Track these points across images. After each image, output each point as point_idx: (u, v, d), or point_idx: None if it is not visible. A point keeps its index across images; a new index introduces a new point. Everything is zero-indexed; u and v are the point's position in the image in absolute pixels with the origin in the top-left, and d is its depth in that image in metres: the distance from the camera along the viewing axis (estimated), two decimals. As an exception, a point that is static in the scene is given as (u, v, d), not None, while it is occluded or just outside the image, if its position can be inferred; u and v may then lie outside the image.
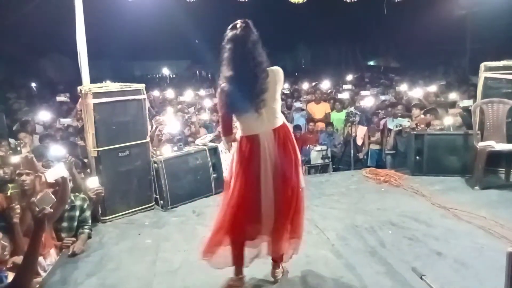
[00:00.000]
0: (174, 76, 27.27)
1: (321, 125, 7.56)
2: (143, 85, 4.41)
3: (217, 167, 4.89)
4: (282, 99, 10.11)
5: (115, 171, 4.17)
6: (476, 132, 4.81)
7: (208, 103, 9.42)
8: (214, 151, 4.90)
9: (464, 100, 6.05)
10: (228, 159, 5.11)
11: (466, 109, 5.57)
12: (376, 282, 2.82)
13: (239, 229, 2.63)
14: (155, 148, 4.83)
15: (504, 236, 3.39)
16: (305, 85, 11.77)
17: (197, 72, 27.36)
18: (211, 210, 4.36)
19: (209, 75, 23.58)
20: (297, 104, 8.51)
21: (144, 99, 4.37)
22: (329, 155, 6.67)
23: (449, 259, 3.08)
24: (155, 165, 4.41)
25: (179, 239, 3.71)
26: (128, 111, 4.24)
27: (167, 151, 4.61)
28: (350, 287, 2.78)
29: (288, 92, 12.37)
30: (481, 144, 4.64)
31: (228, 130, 2.68)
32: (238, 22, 2.46)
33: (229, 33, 2.47)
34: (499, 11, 6.52)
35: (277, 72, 2.51)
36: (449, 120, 5.37)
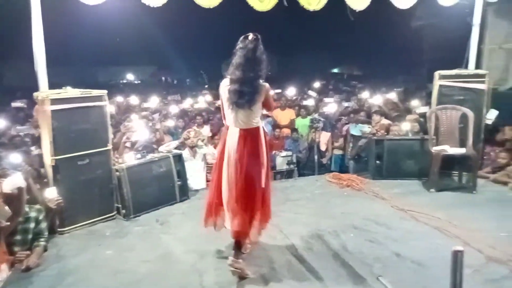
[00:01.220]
0: (139, 82, 26.75)
1: (286, 131, 7.66)
2: (105, 91, 4.29)
3: (181, 174, 4.83)
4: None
5: (74, 180, 4.02)
6: (432, 137, 5.04)
7: (174, 109, 9.31)
8: (179, 158, 4.84)
9: (421, 106, 6.33)
10: (193, 166, 5.07)
11: (423, 115, 5.82)
12: (338, 285, 2.88)
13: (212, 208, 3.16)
14: (117, 156, 4.71)
15: (458, 236, 3.57)
16: (271, 92, 11.88)
17: (163, 78, 27.00)
18: (176, 218, 4.31)
19: (175, 81, 23.27)
20: (264, 112, 8.57)
21: (106, 105, 4.25)
22: (294, 160, 6.76)
23: (407, 259, 3.20)
24: (117, 173, 4.29)
25: (142, 249, 3.62)
26: (88, 118, 4.11)
27: (129, 159, 4.50)
28: (313, 291, 2.83)
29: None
30: (435, 149, 4.87)
31: (224, 118, 3.14)
32: (250, 35, 2.90)
33: (241, 43, 2.90)
34: (453, 23, 6.87)
35: (264, 86, 2.93)
36: (407, 126, 5.61)
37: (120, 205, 4.34)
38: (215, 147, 6.13)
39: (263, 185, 3.00)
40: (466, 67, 5.54)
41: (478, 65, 5.83)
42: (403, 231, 3.75)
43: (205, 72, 26.40)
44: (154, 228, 4.09)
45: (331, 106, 8.39)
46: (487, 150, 5.52)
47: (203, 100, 12.03)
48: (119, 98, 10.97)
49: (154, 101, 9.94)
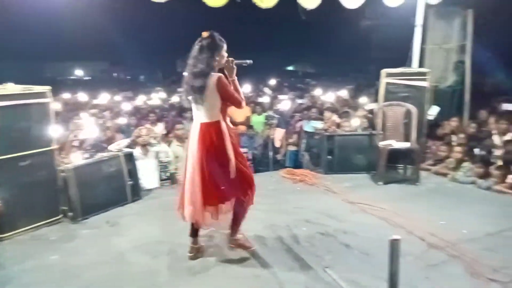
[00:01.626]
0: (89, 78, 25.60)
1: (242, 128, 7.68)
2: (48, 87, 4.06)
3: (133, 174, 4.69)
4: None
5: (15, 182, 3.77)
6: (379, 133, 5.28)
7: (126, 106, 9.02)
8: (130, 157, 4.69)
9: (370, 103, 6.60)
10: (145, 165, 4.94)
11: (371, 112, 6.08)
12: (291, 278, 2.93)
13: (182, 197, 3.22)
14: (63, 155, 4.49)
15: (402, 226, 3.77)
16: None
17: (115, 74, 26.03)
18: (127, 219, 4.19)
19: (128, 78, 22.53)
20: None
21: (49, 103, 4.03)
22: (250, 157, 6.79)
23: (356, 250, 3.33)
24: (63, 174, 4.08)
25: (91, 253, 3.47)
26: (30, 116, 3.88)
27: (76, 159, 4.30)
28: (267, 286, 2.86)
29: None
30: (382, 143, 5.12)
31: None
32: (203, 33, 3.02)
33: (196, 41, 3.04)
34: (398, 23, 7.21)
35: (212, 77, 2.96)
36: (357, 121, 5.83)
37: (66, 208, 4.14)
38: (169, 145, 6.04)
39: (232, 176, 3.05)
40: (409, 65, 5.85)
41: (420, 64, 6.19)
42: (353, 223, 3.90)
43: (159, 69, 25.80)
44: (104, 231, 3.94)
45: (285, 103, 8.53)
46: (429, 144, 5.89)
47: (157, 97, 11.78)
48: (66, 95, 10.45)
49: (104, 98, 9.55)
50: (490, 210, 4.16)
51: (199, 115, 3.08)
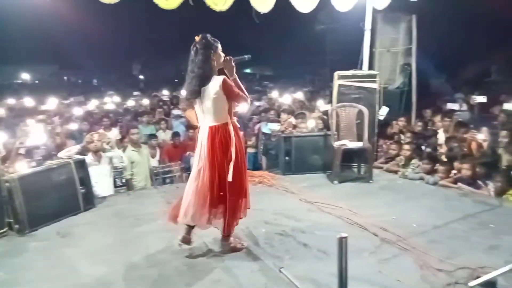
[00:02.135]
0: (36, 82, 24.24)
1: (199, 132, 7.61)
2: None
3: (85, 181, 4.49)
4: (160, 106, 9.93)
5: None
6: (333, 133, 5.44)
7: (78, 111, 8.66)
8: (81, 164, 4.49)
9: (324, 105, 6.79)
10: (98, 171, 4.77)
11: (326, 113, 6.26)
12: (251, 280, 2.94)
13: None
14: (7, 164, 4.22)
15: (357, 223, 3.90)
16: (184, 92, 11.72)
17: (65, 78, 24.87)
18: (80, 229, 4.01)
19: (79, 81, 21.61)
20: (176, 112, 8.42)
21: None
22: (209, 161, 6.74)
23: (314, 249, 3.40)
24: (7, 184, 3.83)
25: (41, 267, 3.28)
26: (-32, 124, 3.61)
27: (22, 168, 4.05)
28: (227, 289, 2.86)
29: (167, 99, 12.17)
30: (337, 143, 5.28)
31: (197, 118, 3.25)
32: (196, 37, 3.08)
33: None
34: (349, 27, 7.47)
35: (216, 79, 3.01)
36: (312, 123, 5.97)
37: (12, 220, 3.89)
38: (124, 150, 5.86)
39: (230, 179, 3.07)
40: (360, 68, 6.08)
41: (370, 67, 6.46)
42: (310, 222, 3.98)
43: (114, 71, 24.98)
44: (54, 242, 3.74)
45: (243, 105, 8.54)
46: (380, 143, 6.15)
47: (111, 101, 11.40)
48: (11, 100, 9.85)
49: (53, 102, 9.10)
50: (437, 204, 4.40)
51: (207, 119, 3.09)
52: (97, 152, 5.01)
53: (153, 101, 11.49)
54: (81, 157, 4.62)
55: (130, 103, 11.17)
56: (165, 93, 13.94)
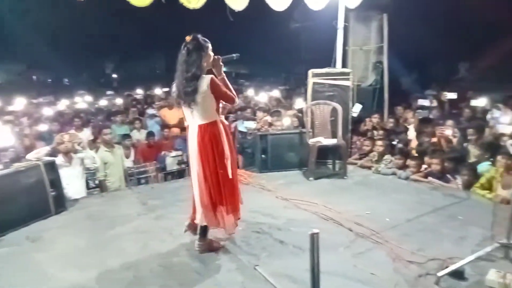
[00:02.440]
0: (1, 82, 23.27)
1: (175, 131, 7.53)
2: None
3: (56, 183, 4.35)
4: (135, 106, 9.75)
5: None
6: (308, 130, 5.50)
7: (47, 111, 8.39)
8: (51, 166, 4.35)
9: (299, 102, 6.86)
10: (70, 173, 4.65)
11: (301, 111, 6.31)
12: (229, 279, 2.93)
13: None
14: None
15: (332, 218, 3.97)
16: (158, 91, 11.57)
17: (34, 77, 24.00)
18: (51, 233, 3.89)
19: (50, 81, 20.92)
20: (150, 111, 8.29)
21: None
22: (185, 160, 6.68)
23: (290, 245, 3.43)
24: (-28, 189, 3.68)
25: (10, 273, 3.16)
26: None
27: (-13, 171, 3.89)
28: (204, 289, 2.84)
29: (141, 98, 11.96)
30: (312, 141, 5.34)
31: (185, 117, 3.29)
32: (187, 37, 3.10)
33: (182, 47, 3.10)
34: (323, 26, 7.56)
35: (204, 80, 3.03)
36: (288, 120, 6.01)
37: (-22, 226, 3.73)
38: (96, 151, 5.72)
39: (230, 176, 3.16)
40: (334, 66, 6.17)
41: (344, 64, 6.56)
42: (286, 219, 4.01)
43: (86, 70, 24.33)
44: (24, 247, 3.61)
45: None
46: (354, 139, 6.27)
47: (82, 101, 11.12)
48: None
49: (20, 103, 8.78)
50: (409, 198, 4.53)
51: (195, 118, 3.13)
52: (67, 153, 4.86)
53: (127, 100, 11.28)
54: (51, 158, 4.48)
55: (103, 102, 10.92)
56: (139, 92, 13.70)
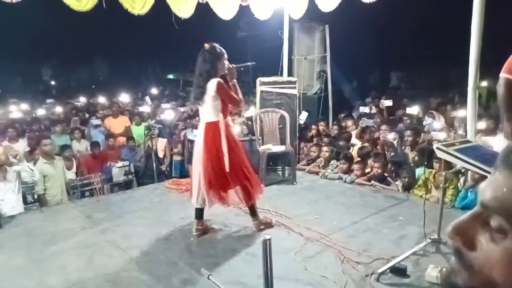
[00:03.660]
0: None
1: (121, 140, 7.27)
2: None
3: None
4: (76, 114, 9.28)
5: None
6: (258, 138, 5.58)
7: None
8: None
9: (247, 110, 6.94)
10: (4, 188, 4.33)
11: (250, 118, 6.39)
12: (180, 291, 2.90)
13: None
14: None
15: (283, 224, 4.04)
16: (102, 99, 11.10)
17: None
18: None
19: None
20: (95, 121, 7.92)
21: None
22: (132, 170, 6.47)
23: (243, 253, 3.46)
24: None
25: None
26: None
27: None
28: (154, 303, 2.77)
29: (83, 106, 11.41)
30: (262, 148, 5.42)
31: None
32: (205, 45, 3.54)
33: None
34: (270, 35, 7.76)
35: (211, 83, 3.45)
36: (237, 128, 6.04)
37: None
38: (35, 163, 5.35)
39: (227, 169, 3.55)
40: (281, 74, 6.34)
41: (290, 73, 6.77)
42: (238, 227, 4.03)
43: (19, 76, 22.72)
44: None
45: (168, 112, 8.36)
46: (302, 146, 6.45)
47: (16, 109, 10.36)
48: None
49: None
50: (354, 201, 4.75)
51: (204, 116, 3.60)
52: (1, 166, 4.50)
53: (67, 108, 10.69)
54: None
55: (41, 111, 10.25)
56: (82, 99, 13.03)
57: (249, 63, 3.82)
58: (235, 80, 3.65)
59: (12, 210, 4.54)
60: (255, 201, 3.86)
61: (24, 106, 11.02)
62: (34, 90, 19.90)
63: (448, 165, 3.71)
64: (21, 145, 6.11)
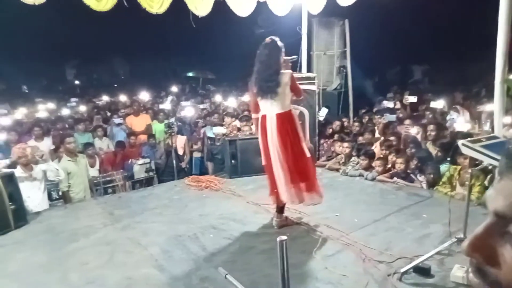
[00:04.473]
0: None
1: (143, 138, 7.37)
2: None
3: (15, 197, 4.13)
4: (98, 113, 9.46)
5: None
6: (277, 135, 5.52)
7: (4, 121, 7.95)
8: (10, 179, 4.12)
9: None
10: (30, 186, 4.43)
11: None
12: (199, 288, 2.90)
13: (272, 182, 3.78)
14: None
15: (303, 223, 3.98)
16: (123, 98, 11.27)
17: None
18: (6, 250, 3.66)
19: (4, 88, 19.90)
20: (117, 120, 8.06)
21: None
22: (153, 167, 6.55)
23: (259, 250, 3.43)
24: None
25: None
26: None
27: None
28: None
29: (105, 104, 11.61)
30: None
31: (253, 110, 3.93)
32: (266, 39, 3.66)
33: (260, 48, 3.66)
34: (288, 31, 7.67)
35: (285, 75, 3.59)
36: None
37: None
38: (59, 161, 5.48)
39: (308, 155, 3.67)
40: (300, 70, 6.26)
41: (309, 69, 6.67)
42: (256, 225, 4.01)
43: (45, 77, 23.38)
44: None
45: (188, 109, 8.41)
46: (321, 142, 6.37)
47: (43, 109, 10.65)
48: None
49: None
50: (375, 198, 4.65)
51: (273, 108, 3.63)
52: (27, 165, 4.62)
53: (89, 107, 10.92)
54: (9, 170, 4.24)
55: (66, 110, 10.51)
56: (105, 98, 13.28)
57: (294, 57, 4.01)
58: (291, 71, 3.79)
59: (38, 206, 4.68)
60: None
61: (50, 105, 11.32)
62: (59, 90, 20.42)
63: (474, 162, 3.58)
64: (46, 144, 6.28)
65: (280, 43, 3.64)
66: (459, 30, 12.22)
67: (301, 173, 3.69)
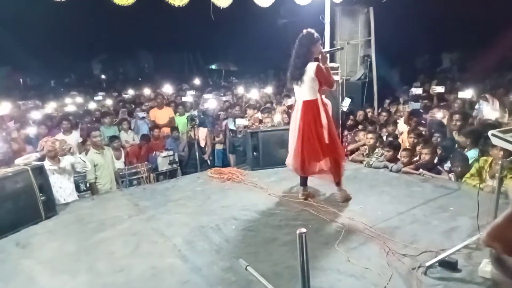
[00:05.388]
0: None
1: (166, 131, 7.48)
2: None
3: (45, 188, 4.29)
4: (123, 106, 9.67)
5: None
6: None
7: (35, 115, 8.26)
8: (40, 171, 4.27)
9: (289, 99, 6.84)
10: (59, 177, 4.58)
11: (291, 107, 6.29)
12: (221, 279, 2.91)
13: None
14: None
15: (325, 214, 3.95)
16: (147, 91, 11.45)
17: (21, 80, 23.65)
18: (40, 238, 3.83)
19: (35, 83, 20.61)
20: (140, 114, 8.21)
21: None
22: (177, 159, 6.64)
23: (282, 242, 3.42)
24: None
25: (-1, 280, 3.12)
26: None
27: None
28: (196, 290, 2.82)
29: (129, 97, 11.82)
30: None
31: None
32: (304, 31, 3.93)
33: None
34: (310, 20, 7.55)
35: (311, 65, 3.86)
36: (278, 117, 5.99)
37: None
38: (86, 154, 5.65)
39: (326, 141, 3.96)
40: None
41: (332, 59, 6.54)
42: (279, 217, 4.00)
43: (73, 72, 24.06)
44: (12, 254, 3.55)
45: (211, 102, 8.46)
46: (345, 133, 6.26)
47: (71, 102, 10.98)
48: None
49: (6, 106, 8.64)
50: (400, 191, 4.54)
51: (301, 95, 4.01)
52: (56, 157, 4.78)
53: (115, 101, 11.17)
54: (39, 163, 4.40)
55: (92, 104, 10.80)
56: (130, 92, 13.56)
57: (338, 48, 4.27)
58: (328, 64, 3.97)
59: (69, 196, 4.84)
60: (342, 174, 4.29)
61: (79, 99, 11.65)
62: (86, 84, 20.99)
63: (507, 153, 3.42)
64: (74, 137, 6.47)
65: (313, 36, 3.88)
66: (493, 14, 11.65)
67: (315, 156, 4.02)
